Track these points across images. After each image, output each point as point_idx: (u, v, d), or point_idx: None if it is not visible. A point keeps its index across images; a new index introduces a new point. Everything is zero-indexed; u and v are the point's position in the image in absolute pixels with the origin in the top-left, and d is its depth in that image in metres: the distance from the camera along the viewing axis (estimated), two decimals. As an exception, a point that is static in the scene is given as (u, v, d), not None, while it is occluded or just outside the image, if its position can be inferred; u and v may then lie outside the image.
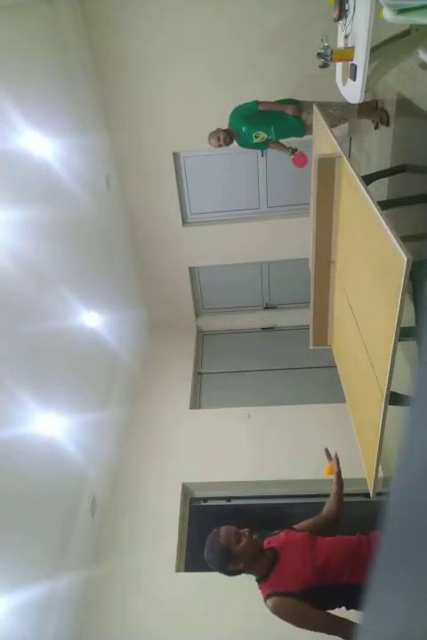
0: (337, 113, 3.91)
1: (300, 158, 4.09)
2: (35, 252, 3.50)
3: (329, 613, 1.89)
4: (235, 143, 4.14)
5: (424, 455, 0.38)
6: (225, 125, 4.10)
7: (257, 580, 2.01)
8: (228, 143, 4.05)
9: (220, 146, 4.06)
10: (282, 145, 4.19)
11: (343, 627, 1.82)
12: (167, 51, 4.71)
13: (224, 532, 1.95)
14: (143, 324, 6.22)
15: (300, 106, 3.95)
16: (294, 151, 4.11)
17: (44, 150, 3.76)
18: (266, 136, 4.03)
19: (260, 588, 1.99)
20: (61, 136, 3.99)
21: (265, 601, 1.95)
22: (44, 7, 3.95)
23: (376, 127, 4.04)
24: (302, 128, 4.01)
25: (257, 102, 3.94)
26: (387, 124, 3.85)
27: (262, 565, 1.99)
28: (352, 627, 1.79)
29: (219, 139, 4.00)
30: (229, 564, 1.93)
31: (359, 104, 3.92)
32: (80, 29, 4.55)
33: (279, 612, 1.91)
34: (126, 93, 4.94)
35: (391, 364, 2.10)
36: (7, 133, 3.29)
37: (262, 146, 4.19)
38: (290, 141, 4.13)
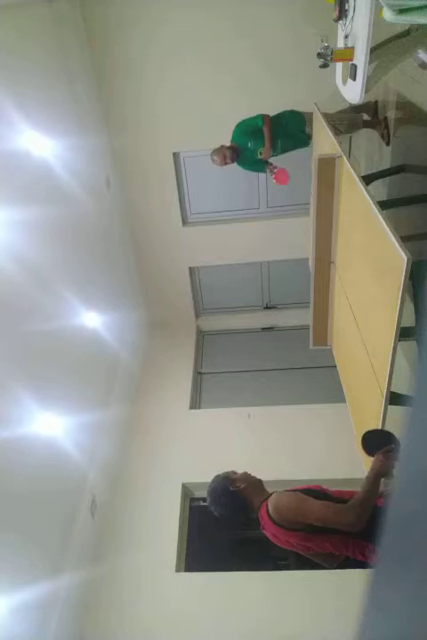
0: (343, 128, 3.88)
1: (281, 175, 3.95)
2: (35, 252, 3.50)
3: (330, 503, 1.86)
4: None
5: (424, 455, 0.38)
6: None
7: (258, 511, 1.98)
8: (233, 160, 3.94)
9: (225, 164, 3.94)
10: (270, 164, 4.06)
11: (346, 515, 1.78)
12: (167, 51, 4.71)
13: (218, 477, 2.05)
14: (143, 324, 6.21)
15: (304, 118, 3.91)
16: (272, 171, 3.98)
17: (45, 150, 3.76)
18: (272, 152, 3.94)
19: (260, 514, 1.96)
20: (61, 136, 3.99)
21: (267, 512, 1.90)
22: (44, 7, 3.95)
23: (385, 140, 3.93)
24: (308, 140, 3.96)
25: (262, 118, 3.82)
26: (387, 143, 3.84)
27: (265, 491, 2.02)
28: (354, 514, 1.77)
29: (225, 157, 3.88)
30: (235, 496, 1.95)
31: (364, 120, 3.94)
32: (80, 29, 4.56)
33: (279, 506, 1.89)
34: (126, 93, 4.94)
35: (391, 364, 2.10)
36: (7, 133, 3.29)
37: (260, 168, 4.07)
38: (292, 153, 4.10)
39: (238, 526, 2.13)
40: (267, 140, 3.81)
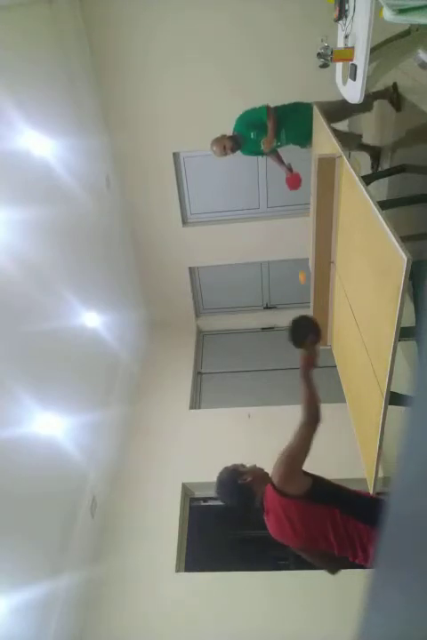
0: (349, 144, 3.85)
1: (294, 180, 3.92)
2: (35, 252, 3.50)
3: (296, 428, 2.01)
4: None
5: (424, 455, 0.38)
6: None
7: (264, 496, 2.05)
8: (234, 151, 3.80)
9: (225, 155, 3.79)
10: (281, 159, 4.01)
11: (308, 418, 1.98)
12: (167, 50, 4.71)
13: (226, 469, 2.11)
14: (143, 324, 6.21)
15: (311, 105, 3.76)
16: (290, 170, 3.94)
17: (45, 150, 3.76)
18: (276, 142, 3.82)
19: (266, 496, 2.02)
20: (61, 136, 3.99)
21: (272, 486, 1.98)
22: (44, 7, 3.95)
23: (395, 107, 3.70)
24: (309, 136, 3.84)
25: (267, 110, 3.67)
26: (398, 109, 3.67)
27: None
28: (312, 411, 1.98)
29: (224, 147, 3.73)
30: (243, 488, 2.02)
31: (373, 92, 3.82)
32: (80, 29, 4.55)
33: (275, 466, 2.00)
34: (126, 93, 4.94)
35: (391, 363, 2.10)
36: (7, 133, 3.29)
37: (261, 154, 3.98)
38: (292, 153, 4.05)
39: (245, 517, 2.17)
40: (270, 131, 3.67)
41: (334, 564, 2.05)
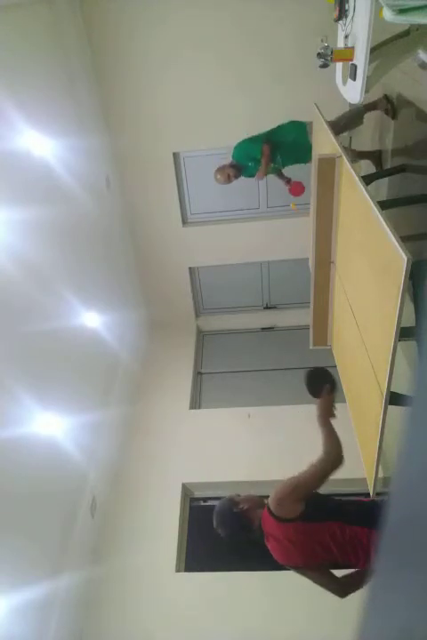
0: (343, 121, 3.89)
1: (297, 188, 4.06)
2: (35, 252, 3.50)
3: (312, 463, 2.02)
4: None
5: (424, 455, 0.38)
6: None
7: (261, 520, 2.08)
8: (236, 177, 4.05)
9: (229, 182, 4.04)
10: (282, 174, 4.20)
11: (327, 460, 1.99)
12: (167, 50, 4.71)
13: (222, 500, 2.15)
14: (143, 324, 6.21)
15: (306, 126, 3.92)
16: (288, 181, 4.13)
17: (45, 150, 3.76)
18: (273, 165, 4.01)
19: (263, 520, 2.05)
20: (61, 136, 3.99)
21: (268, 511, 2.00)
22: (44, 7, 3.95)
23: (390, 115, 3.82)
24: (308, 155, 3.92)
25: (261, 150, 3.85)
26: (393, 117, 3.77)
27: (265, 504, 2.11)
28: (333, 453, 2.00)
29: (229, 177, 3.99)
30: (239, 517, 2.06)
31: (365, 105, 3.89)
32: (80, 29, 4.55)
33: (275, 493, 2.00)
34: (126, 93, 4.94)
35: (391, 363, 2.10)
36: (7, 133, 3.29)
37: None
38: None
39: (243, 543, 2.23)
40: (263, 166, 3.88)
41: (342, 587, 2.07)
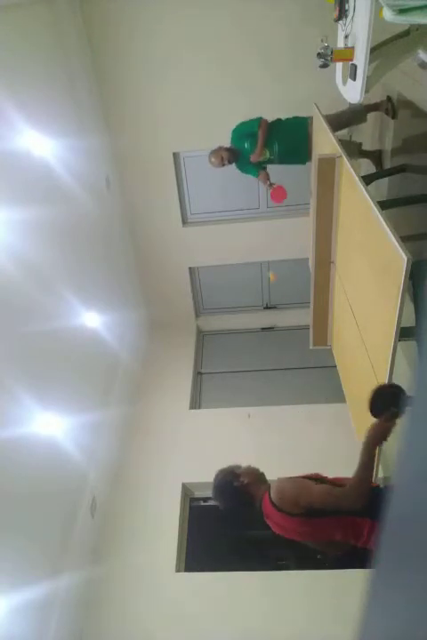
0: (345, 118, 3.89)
1: (278, 192, 3.95)
2: (35, 252, 3.50)
3: (330, 487, 1.90)
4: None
5: (424, 455, 0.38)
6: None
7: (261, 501, 2.02)
8: (231, 162, 3.96)
9: (222, 165, 3.95)
10: (267, 176, 4.05)
11: (347, 497, 1.81)
12: (167, 50, 4.71)
13: (222, 472, 2.08)
14: (143, 324, 6.21)
15: (306, 120, 3.86)
16: (271, 185, 4.00)
17: (45, 150, 3.76)
18: (268, 154, 3.91)
19: (264, 504, 1.99)
20: (61, 136, 3.99)
21: (270, 500, 1.94)
22: (44, 7, 3.95)
23: (390, 115, 3.84)
24: (307, 155, 3.89)
25: (259, 122, 3.81)
26: (393, 117, 3.78)
27: (266, 482, 2.07)
28: (354, 494, 1.80)
29: (222, 158, 3.90)
30: (239, 491, 1.99)
31: (365, 105, 3.89)
32: (80, 29, 4.55)
33: (280, 491, 1.93)
34: (126, 93, 4.94)
35: (391, 363, 2.10)
36: (7, 133, 3.29)
37: (253, 172, 4.05)
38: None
39: (243, 519, 2.18)
40: (260, 141, 3.79)
41: (336, 547, 2.05)
